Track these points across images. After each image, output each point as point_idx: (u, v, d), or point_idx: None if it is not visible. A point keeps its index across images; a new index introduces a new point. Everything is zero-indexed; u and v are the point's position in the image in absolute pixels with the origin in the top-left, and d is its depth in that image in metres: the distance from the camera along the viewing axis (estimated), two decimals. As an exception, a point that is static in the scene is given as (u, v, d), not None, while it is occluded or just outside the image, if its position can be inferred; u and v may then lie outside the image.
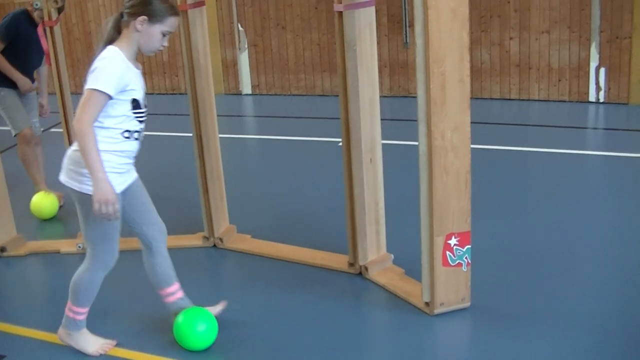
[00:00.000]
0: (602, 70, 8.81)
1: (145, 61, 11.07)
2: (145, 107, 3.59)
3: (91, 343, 3.86)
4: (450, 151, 3.64)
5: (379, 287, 4.36)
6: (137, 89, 3.50)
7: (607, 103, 8.83)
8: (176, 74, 11.19)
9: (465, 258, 3.89)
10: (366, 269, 4.48)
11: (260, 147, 8.14)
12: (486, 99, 9.29)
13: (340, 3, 4.09)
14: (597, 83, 8.86)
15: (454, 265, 3.88)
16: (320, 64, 10.24)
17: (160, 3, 3.50)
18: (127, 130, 3.50)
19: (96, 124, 3.38)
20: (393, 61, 9.83)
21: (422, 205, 3.78)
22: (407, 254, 4.56)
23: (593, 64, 8.82)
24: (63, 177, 3.55)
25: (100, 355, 3.84)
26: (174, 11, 3.56)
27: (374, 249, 4.53)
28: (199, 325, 3.76)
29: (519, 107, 8.98)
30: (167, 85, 11.28)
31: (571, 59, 8.91)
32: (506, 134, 7.78)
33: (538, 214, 5.43)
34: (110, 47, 3.46)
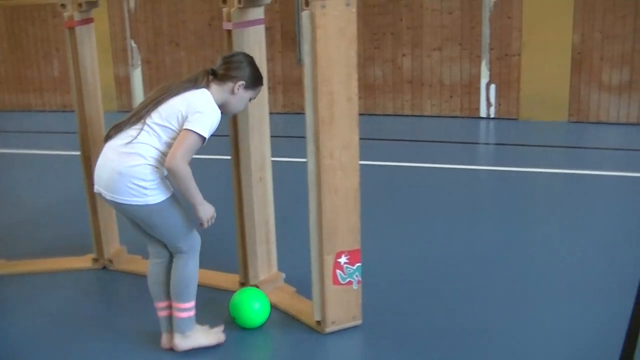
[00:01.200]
0: (493, 87, 9.08)
1: (35, 77, 10.88)
2: None
3: (208, 334, 3.97)
4: (339, 170, 3.69)
5: (271, 306, 4.38)
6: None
7: (497, 118, 9.10)
8: (68, 91, 11.00)
9: (356, 276, 3.94)
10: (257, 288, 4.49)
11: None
12: (380, 115, 9.43)
13: (230, 21, 4.10)
14: (488, 99, 9.12)
15: (345, 284, 3.92)
16: (214, 80, 10.21)
17: (257, 71, 3.80)
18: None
19: (162, 148, 3.59)
20: (287, 78, 9.90)
21: (311, 223, 3.81)
22: (299, 272, 4.58)
23: (484, 80, 9.08)
24: (123, 198, 3.61)
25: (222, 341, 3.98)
26: (262, 80, 3.87)
27: (265, 268, 4.55)
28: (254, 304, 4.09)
29: (412, 123, 9.16)
30: (59, 102, 11.06)
31: (462, 75, 9.15)
32: (400, 150, 7.92)
33: (432, 230, 5.55)
34: (208, 92, 3.66)
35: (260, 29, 4.23)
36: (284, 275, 4.63)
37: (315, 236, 3.82)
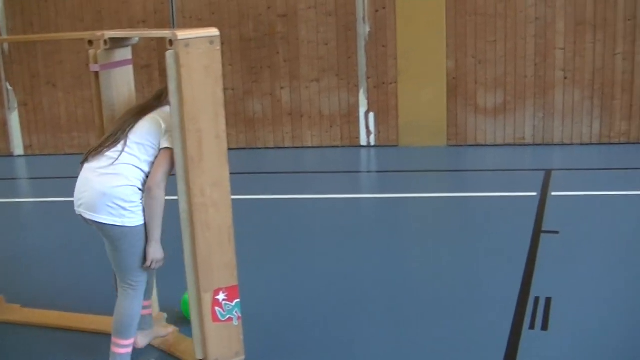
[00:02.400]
0: (371, 115, 9.30)
1: None
2: None
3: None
4: (211, 207, 3.75)
5: (153, 347, 4.38)
6: None
7: (378, 146, 9.31)
8: None
9: (236, 312, 3.99)
10: (140, 330, 4.49)
11: (34, 210, 7.95)
12: (261, 148, 9.52)
13: (96, 63, 4.11)
14: (367, 127, 9.33)
15: (225, 321, 3.97)
16: (93, 122, 10.11)
17: None
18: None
19: (143, 167, 3.76)
20: (166, 114, 9.89)
21: (186, 262, 3.85)
22: (180, 311, 4.62)
23: (362, 109, 9.29)
24: (101, 217, 3.73)
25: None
26: None
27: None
28: None
29: (293, 155, 9.27)
30: None
31: (341, 105, 9.34)
32: (282, 183, 8.01)
33: (316, 260, 5.64)
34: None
35: (129, 69, 4.27)
36: (166, 315, 4.63)
37: (192, 274, 3.86)
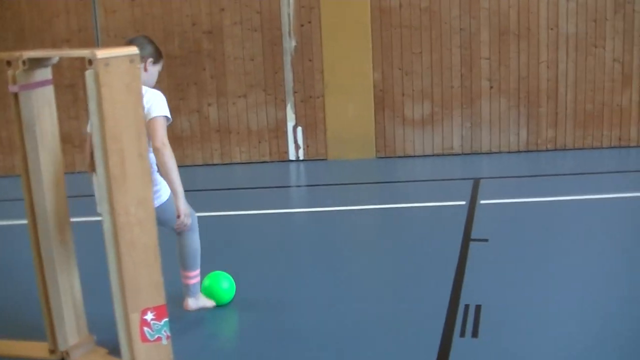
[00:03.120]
0: (299, 129, 9.37)
1: None
2: None
3: (207, 299, 4.80)
4: (136, 226, 3.75)
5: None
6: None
7: (307, 160, 9.37)
8: None
9: (164, 331, 3.99)
10: (68, 354, 4.44)
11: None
12: (190, 166, 9.51)
13: (15, 84, 4.08)
14: (296, 142, 9.39)
15: (153, 340, 3.96)
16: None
17: (157, 47, 4.44)
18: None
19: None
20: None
21: (113, 282, 3.84)
22: (110, 332, 4.57)
23: (290, 123, 9.36)
24: None
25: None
26: (162, 53, 4.51)
27: (75, 332, 4.49)
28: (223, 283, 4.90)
29: (222, 172, 9.28)
30: None
31: (269, 120, 9.39)
32: (212, 200, 8.00)
33: (248, 276, 5.63)
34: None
35: (49, 89, 4.24)
36: (95, 337, 4.60)
37: (118, 295, 3.85)
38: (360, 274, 5.66)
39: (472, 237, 6.22)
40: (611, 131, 9.79)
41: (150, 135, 4.16)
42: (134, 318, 3.87)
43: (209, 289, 4.91)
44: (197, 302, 4.79)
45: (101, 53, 3.60)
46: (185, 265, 4.69)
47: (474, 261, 5.68)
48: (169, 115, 4.30)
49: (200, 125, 9.57)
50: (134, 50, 3.74)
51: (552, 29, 9.44)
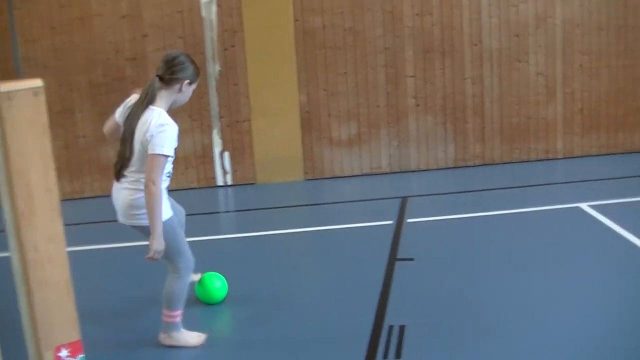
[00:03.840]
0: (226, 154, 9.35)
1: None
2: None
3: (192, 337, 4.75)
4: (47, 262, 3.70)
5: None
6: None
7: (235, 185, 9.36)
8: None
9: (81, 367, 3.95)
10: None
11: None
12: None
13: None
14: (223, 167, 9.38)
15: (70, 377, 3.91)
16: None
17: (196, 66, 4.51)
18: (168, 172, 4.46)
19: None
20: None
21: (24, 320, 3.78)
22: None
23: (217, 149, 9.34)
24: (131, 221, 4.49)
25: (200, 345, 4.74)
26: (199, 70, 4.58)
27: (-9, 372, 4.44)
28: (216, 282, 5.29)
29: (150, 200, 9.21)
30: None
31: (195, 146, 9.36)
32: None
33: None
34: (161, 111, 4.38)
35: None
36: (14, 377, 4.53)
37: (30, 332, 3.79)
38: (287, 296, 5.67)
39: (398, 256, 6.27)
40: (538, 144, 9.97)
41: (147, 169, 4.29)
42: (48, 356, 3.81)
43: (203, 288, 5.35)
44: (169, 340, 4.77)
45: (3, 87, 3.56)
46: (167, 304, 4.71)
47: (399, 281, 5.72)
48: (169, 154, 4.30)
49: (127, 153, 9.49)
50: (37, 82, 3.70)
51: (475, 45, 9.59)
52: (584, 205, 7.54)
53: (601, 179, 8.85)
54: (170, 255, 4.52)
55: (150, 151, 4.25)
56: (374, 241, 6.81)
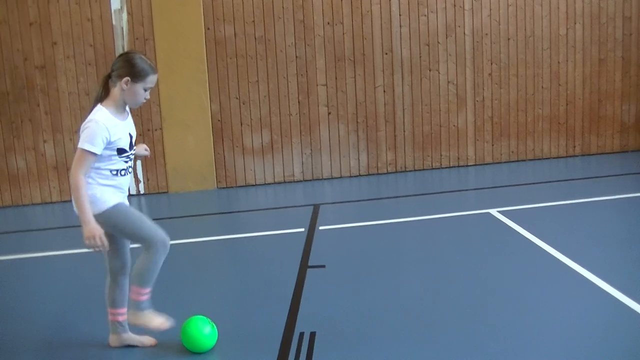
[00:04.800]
0: (139, 163, 9.30)
1: None
2: (132, 148, 4.45)
3: (154, 318, 4.64)
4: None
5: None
6: (122, 138, 4.36)
7: (148, 194, 9.32)
8: None
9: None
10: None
11: None
12: (27, 205, 9.32)
13: None
14: (136, 176, 9.33)
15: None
16: None
17: (138, 65, 4.35)
18: (115, 170, 4.38)
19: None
20: None
21: None
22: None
23: (128, 158, 9.27)
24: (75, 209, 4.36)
25: (160, 330, 4.65)
26: (153, 70, 4.40)
27: None
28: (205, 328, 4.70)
29: (62, 210, 9.10)
30: None
31: (106, 155, 9.27)
32: (48, 239, 7.82)
33: (87, 314, 5.53)
34: (98, 107, 4.33)
35: None
36: None
37: None
38: (197, 305, 5.66)
39: (310, 264, 6.31)
40: (449, 152, 10.15)
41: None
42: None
43: (191, 335, 4.72)
44: (139, 318, 4.69)
45: None
46: (138, 281, 4.62)
47: (311, 288, 5.76)
48: (92, 150, 4.22)
49: (37, 162, 9.38)
50: None
51: (386, 53, 9.73)
52: (494, 211, 7.71)
53: (510, 185, 9.05)
54: (131, 234, 4.51)
55: (78, 145, 4.26)
56: (285, 249, 6.84)
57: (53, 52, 9.19)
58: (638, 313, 5.00)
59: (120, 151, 4.38)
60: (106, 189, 4.39)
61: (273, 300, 5.58)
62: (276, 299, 5.59)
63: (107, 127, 4.29)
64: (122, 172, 4.46)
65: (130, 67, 4.36)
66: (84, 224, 4.26)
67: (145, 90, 4.44)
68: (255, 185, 9.52)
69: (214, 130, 9.42)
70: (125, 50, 8.98)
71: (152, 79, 4.43)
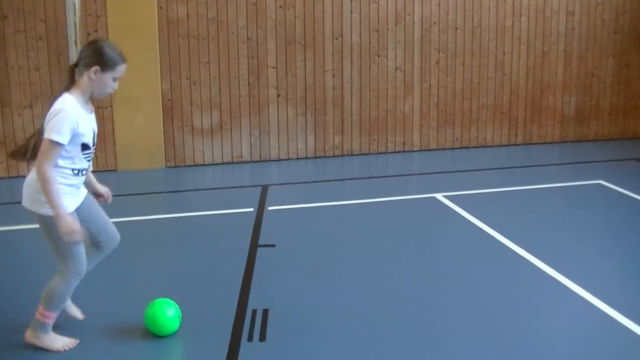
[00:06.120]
0: (87, 140, 9.30)
1: None
2: (94, 145, 4.39)
3: (57, 341, 4.55)
4: None
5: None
6: (87, 133, 4.26)
7: (96, 172, 9.21)
8: None
9: None
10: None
11: None
12: (-27, 181, 9.30)
13: None
14: (84, 153, 9.33)
15: None
16: None
17: (106, 54, 4.25)
18: (77, 169, 4.29)
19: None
20: None
21: None
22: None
23: (77, 134, 9.27)
24: (26, 203, 4.29)
25: (65, 351, 4.52)
26: (122, 59, 4.32)
27: None
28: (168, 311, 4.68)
29: (7, 186, 9.07)
30: None
31: (55, 131, 9.25)
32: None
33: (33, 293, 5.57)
34: (65, 96, 4.21)
35: None
36: None
37: None
38: (148, 283, 5.75)
39: (260, 243, 6.43)
40: (395, 137, 10.33)
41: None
42: None
43: (153, 317, 4.69)
44: (35, 339, 4.58)
45: None
46: (45, 302, 4.51)
47: (262, 267, 5.88)
48: (60, 140, 4.06)
49: (-17, 137, 9.34)
50: None
51: (337, 38, 9.86)
52: (439, 196, 7.91)
53: (455, 171, 9.27)
54: (61, 253, 4.36)
55: (44, 135, 4.11)
56: (235, 228, 6.95)
57: (3, 25, 9.12)
58: (563, 284, 5.28)
59: (84, 147, 4.27)
60: (65, 191, 4.25)
61: (224, 278, 5.69)
62: (227, 277, 5.70)
63: (76, 117, 4.18)
64: (83, 172, 4.38)
65: (99, 56, 4.24)
66: (59, 217, 4.11)
67: (114, 80, 4.35)
68: (204, 165, 9.60)
69: (164, 109, 9.47)
70: (76, 23, 8.98)
71: (121, 69, 4.34)
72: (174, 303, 4.75)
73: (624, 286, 5.46)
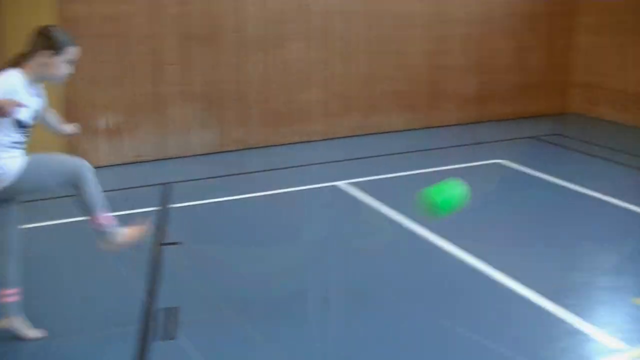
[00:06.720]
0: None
1: None
2: (33, 123, 4.50)
3: (125, 230, 4.81)
4: None
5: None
6: (24, 110, 4.27)
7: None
8: None
9: None
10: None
11: None
12: None
13: None
14: (-19, 159, 9.12)
15: None
16: None
17: (60, 36, 4.41)
18: (15, 142, 4.40)
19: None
20: None
21: None
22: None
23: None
24: None
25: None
26: (72, 41, 4.48)
27: None
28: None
29: None
30: None
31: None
32: None
33: None
34: (10, 70, 4.28)
35: None
36: None
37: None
38: (52, 288, 5.68)
39: (166, 241, 6.41)
40: (298, 127, 10.41)
41: None
42: None
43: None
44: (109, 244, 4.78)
45: None
46: (89, 212, 4.71)
47: (169, 265, 5.88)
48: None
49: None
50: None
51: (236, 32, 9.84)
52: (342, 183, 8.03)
53: (358, 158, 9.39)
54: (53, 176, 4.57)
55: None
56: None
57: None
58: (464, 261, 5.49)
59: (19, 123, 4.37)
60: (11, 155, 4.38)
61: (130, 278, 5.68)
62: (133, 277, 5.68)
63: (15, 85, 4.27)
64: (18, 146, 4.46)
65: (48, 40, 4.40)
66: None
67: (68, 63, 4.51)
68: (103, 166, 9.45)
69: (62, 110, 9.30)
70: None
71: (72, 50, 4.50)
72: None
73: (511, 251, 6.14)
